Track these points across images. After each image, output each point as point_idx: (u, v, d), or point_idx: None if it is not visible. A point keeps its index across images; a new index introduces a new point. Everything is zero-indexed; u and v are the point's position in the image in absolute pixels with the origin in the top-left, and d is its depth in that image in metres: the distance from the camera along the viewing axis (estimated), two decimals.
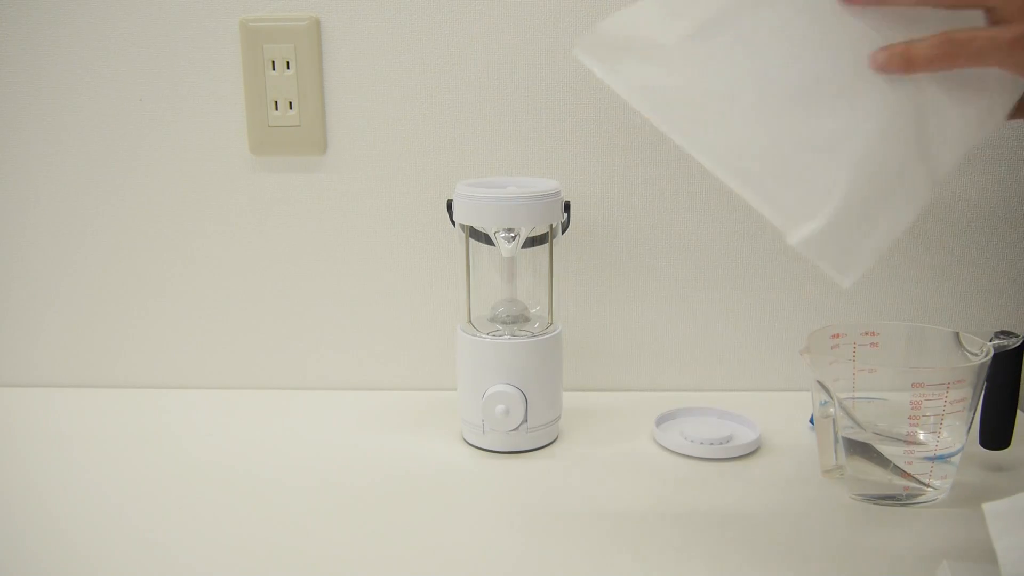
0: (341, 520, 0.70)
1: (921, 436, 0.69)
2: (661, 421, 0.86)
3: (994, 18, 0.55)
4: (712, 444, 0.80)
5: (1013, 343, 0.71)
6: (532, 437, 0.81)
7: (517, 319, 0.83)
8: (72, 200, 0.95)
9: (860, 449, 0.70)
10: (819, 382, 0.69)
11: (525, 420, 0.80)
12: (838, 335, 0.74)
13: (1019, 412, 0.74)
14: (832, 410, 0.70)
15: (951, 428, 0.68)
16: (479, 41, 0.89)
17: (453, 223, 0.83)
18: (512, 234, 0.80)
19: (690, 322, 0.95)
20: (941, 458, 0.69)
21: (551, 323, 0.84)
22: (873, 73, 0.54)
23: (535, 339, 0.80)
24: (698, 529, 0.68)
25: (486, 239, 0.83)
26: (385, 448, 0.83)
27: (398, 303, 0.96)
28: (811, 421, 0.82)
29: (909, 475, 0.70)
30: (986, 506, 0.55)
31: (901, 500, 0.70)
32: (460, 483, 0.76)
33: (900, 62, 0.54)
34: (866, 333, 0.74)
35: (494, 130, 0.91)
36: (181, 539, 0.67)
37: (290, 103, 0.91)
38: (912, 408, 0.67)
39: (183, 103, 0.92)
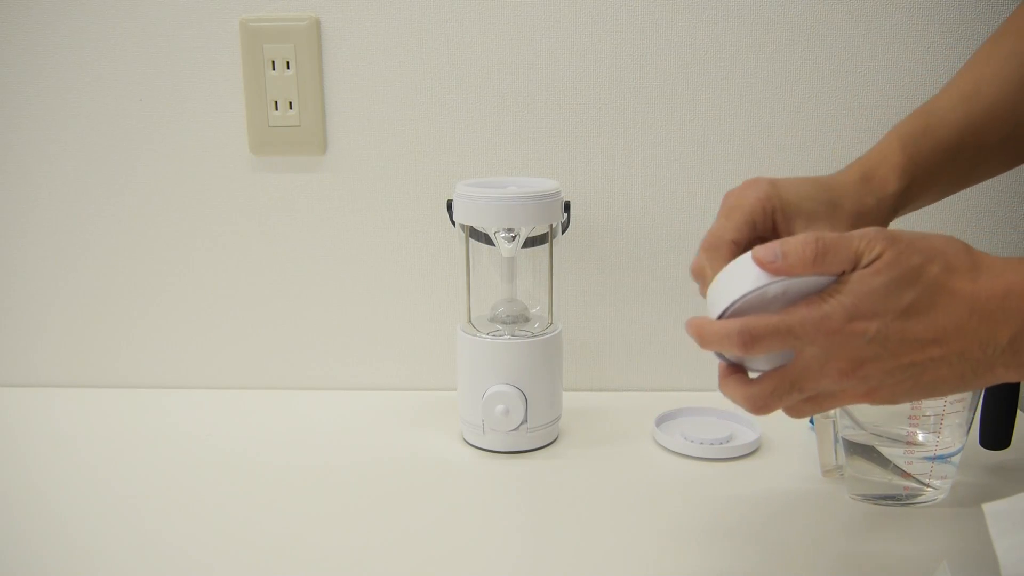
0: (341, 520, 0.70)
1: (921, 436, 0.69)
2: (661, 421, 0.86)
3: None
4: (712, 444, 0.80)
5: None
6: (532, 437, 0.81)
7: (517, 319, 0.83)
8: (72, 200, 0.95)
9: (860, 449, 0.70)
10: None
11: (525, 420, 0.80)
12: None
13: (1019, 412, 0.73)
14: (832, 410, 0.70)
15: (951, 428, 0.68)
16: (479, 41, 0.89)
17: (453, 223, 0.83)
18: (512, 234, 0.80)
19: None
20: (941, 458, 0.69)
21: (551, 323, 0.84)
22: None
23: (535, 339, 0.80)
24: (698, 529, 0.68)
25: (486, 239, 0.83)
26: (385, 448, 0.83)
27: (398, 303, 0.96)
28: (811, 421, 0.82)
29: (909, 475, 0.70)
30: (986, 506, 0.55)
31: (901, 500, 0.70)
32: (460, 483, 0.76)
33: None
34: None
35: (494, 130, 0.91)
36: (181, 539, 0.67)
37: (290, 103, 0.91)
38: (912, 408, 0.67)
39: (183, 103, 0.92)
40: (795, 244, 0.50)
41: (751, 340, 0.51)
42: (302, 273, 0.96)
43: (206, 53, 0.91)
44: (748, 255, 0.52)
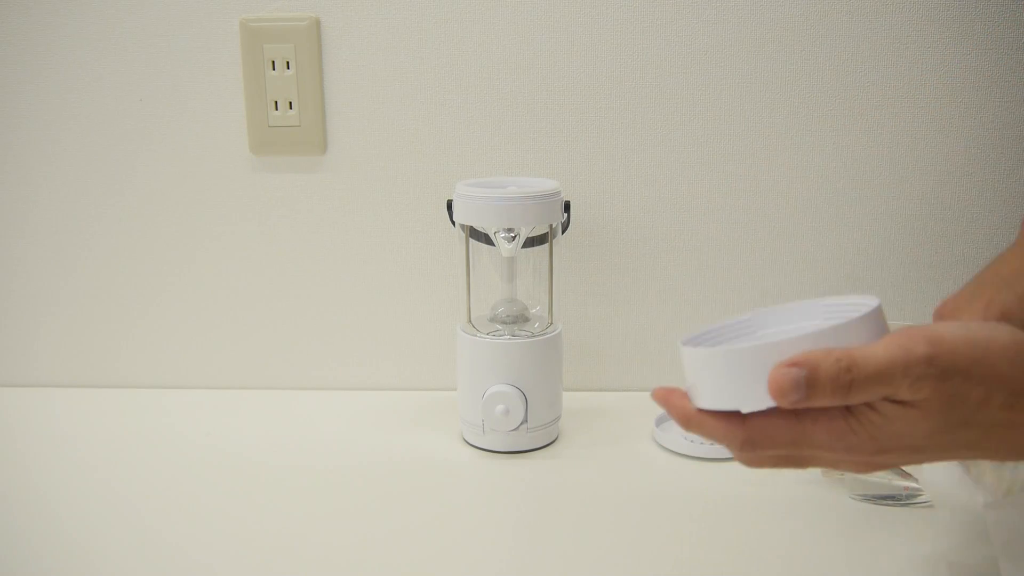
0: (341, 520, 0.70)
1: None
2: (661, 421, 0.86)
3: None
4: (712, 444, 0.80)
5: None
6: (532, 437, 0.81)
7: (517, 319, 0.83)
8: (72, 200, 0.95)
9: None
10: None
11: (525, 420, 0.80)
12: None
13: None
14: None
15: None
16: (479, 41, 0.89)
17: (453, 223, 0.83)
18: (512, 234, 0.80)
19: (690, 322, 0.94)
20: None
21: (551, 323, 0.84)
22: None
23: (535, 339, 0.80)
24: (698, 529, 0.68)
25: (486, 239, 0.83)
26: (385, 448, 0.83)
27: (398, 303, 0.96)
28: None
29: (909, 475, 0.70)
30: (986, 505, 0.55)
31: (901, 500, 0.70)
32: (460, 483, 0.76)
33: None
34: None
35: (494, 130, 0.91)
36: (181, 539, 0.67)
37: (290, 103, 0.91)
38: None
39: (183, 103, 0.92)
40: (824, 378, 0.41)
41: (752, 451, 0.44)
42: (302, 273, 0.96)
43: (206, 53, 0.91)
44: (764, 353, 0.43)
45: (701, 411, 0.45)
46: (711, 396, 0.45)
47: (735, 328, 0.52)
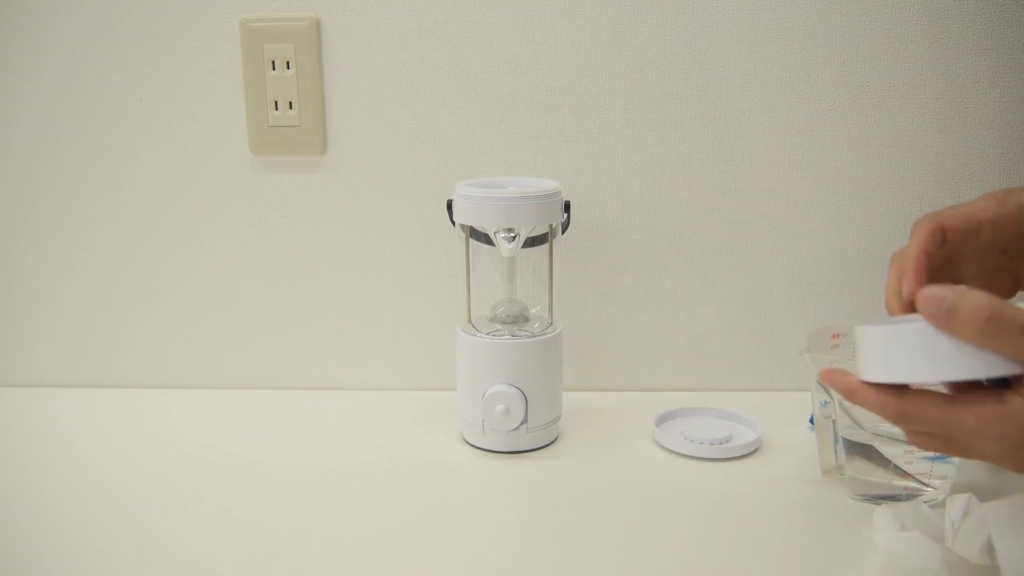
0: (341, 520, 0.70)
1: None
2: (661, 421, 0.86)
3: None
4: (712, 444, 0.80)
5: None
6: (532, 437, 0.81)
7: (517, 319, 0.83)
8: (72, 200, 0.95)
9: (860, 449, 0.70)
10: (819, 382, 0.69)
11: (525, 420, 0.80)
12: (838, 335, 0.73)
13: None
14: (832, 410, 0.70)
15: None
16: (479, 41, 0.89)
17: (453, 223, 0.83)
18: (512, 234, 0.80)
19: (690, 322, 0.95)
20: (941, 458, 0.69)
21: (551, 323, 0.84)
22: None
23: (535, 339, 0.80)
24: (698, 529, 0.68)
25: (486, 239, 0.83)
26: (385, 448, 0.83)
27: (398, 303, 0.96)
28: (811, 421, 0.82)
29: (909, 475, 0.70)
30: (986, 505, 0.55)
31: (901, 500, 0.70)
32: (460, 483, 0.76)
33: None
34: None
35: (494, 130, 0.91)
36: (181, 539, 0.67)
37: (290, 103, 0.91)
38: None
39: (183, 103, 0.92)
40: (966, 308, 0.45)
41: (905, 423, 0.49)
42: (302, 273, 0.96)
43: (206, 53, 0.91)
44: (930, 331, 0.47)
45: (864, 383, 0.51)
46: (876, 369, 0.51)
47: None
